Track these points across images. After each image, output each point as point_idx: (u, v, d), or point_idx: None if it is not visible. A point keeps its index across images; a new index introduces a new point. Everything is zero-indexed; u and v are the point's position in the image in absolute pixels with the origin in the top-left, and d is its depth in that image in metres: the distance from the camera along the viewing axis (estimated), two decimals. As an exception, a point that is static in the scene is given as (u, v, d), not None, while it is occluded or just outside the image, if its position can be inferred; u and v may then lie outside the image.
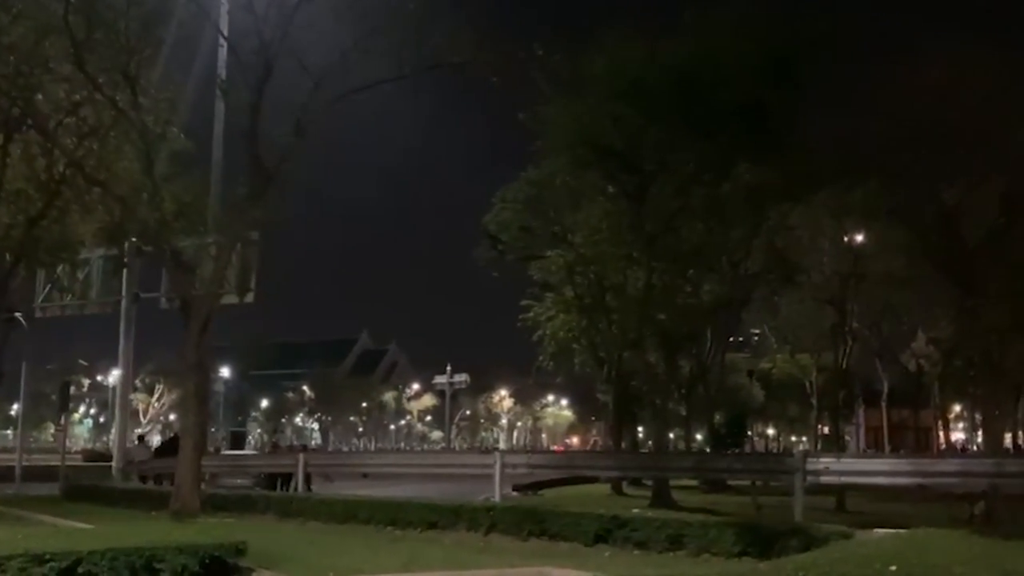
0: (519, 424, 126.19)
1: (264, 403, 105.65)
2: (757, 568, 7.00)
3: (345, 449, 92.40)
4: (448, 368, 58.15)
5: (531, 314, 35.70)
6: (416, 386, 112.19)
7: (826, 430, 47.88)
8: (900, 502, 21.46)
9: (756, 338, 55.84)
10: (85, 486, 24.90)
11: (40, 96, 24.13)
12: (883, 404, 55.44)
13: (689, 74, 22.67)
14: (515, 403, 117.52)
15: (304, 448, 41.22)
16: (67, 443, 34.80)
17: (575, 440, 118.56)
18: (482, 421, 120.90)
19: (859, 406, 59.61)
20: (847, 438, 54.02)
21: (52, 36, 21.59)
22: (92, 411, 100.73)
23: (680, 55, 23.27)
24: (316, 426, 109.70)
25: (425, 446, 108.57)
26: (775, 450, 73.28)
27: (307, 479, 23.43)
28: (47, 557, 8.36)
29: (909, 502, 21.06)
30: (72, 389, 42.03)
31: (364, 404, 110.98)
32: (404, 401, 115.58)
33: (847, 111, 25.71)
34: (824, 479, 16.87)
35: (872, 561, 6.45)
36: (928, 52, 24.17)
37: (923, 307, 37.02)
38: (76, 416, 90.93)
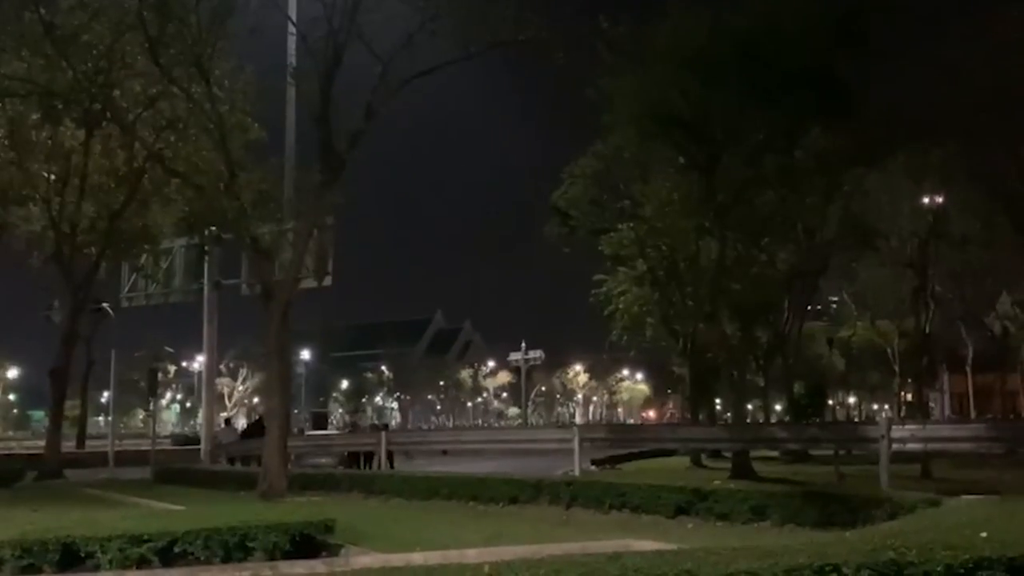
0: (594, 399, 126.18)
1: (344, 384, 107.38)
2: (844, 537, 6.96)
3: (424, 427, 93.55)
4: (523, 345, 58.42)
5: (603, 289, 35.63)
6: (491, 364, 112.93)
7: (909, 397, 47.04)
8: (987, 468, 20.98)
9: (835, 306, 54.90)
10: (175, 469, 25.66)
11: (118, 92, 24.82)
12: (968, 369, 54.26)
13: (755, 40, 22.29)
14: (590, 378, 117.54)
15: (384, 427, 41.85)
16: (156, 428, 35.82)
17: (652, 413, 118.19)
18: (558, 397, 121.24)
19: (943, 372, 58.38)
20: (931, 405, 52.87)
21: (128, 32, 22.18)
22: (179, 396, 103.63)
23: (745, 21, 22.90)
24: (395, 405, 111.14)
25: (502, 423, 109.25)
26: (857, 419, 72.16)
27: (389, 457, 23.83)
28: (145, 538, 8.67)
29: (996, 468, 20.59)
30: (159, 376, 43.25)
31: (441, 383, 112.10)
32: (480, 379, 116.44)
33: (922, 72, 25.08)
34: (909, 446, 16.62)
35: (962, 528, 6.37)
36: (1006, 10, 23.40)
37: (1006, 269, 36.07)
38: (164, 402, 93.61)
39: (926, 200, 31.22)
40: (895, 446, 15.86)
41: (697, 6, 23.56)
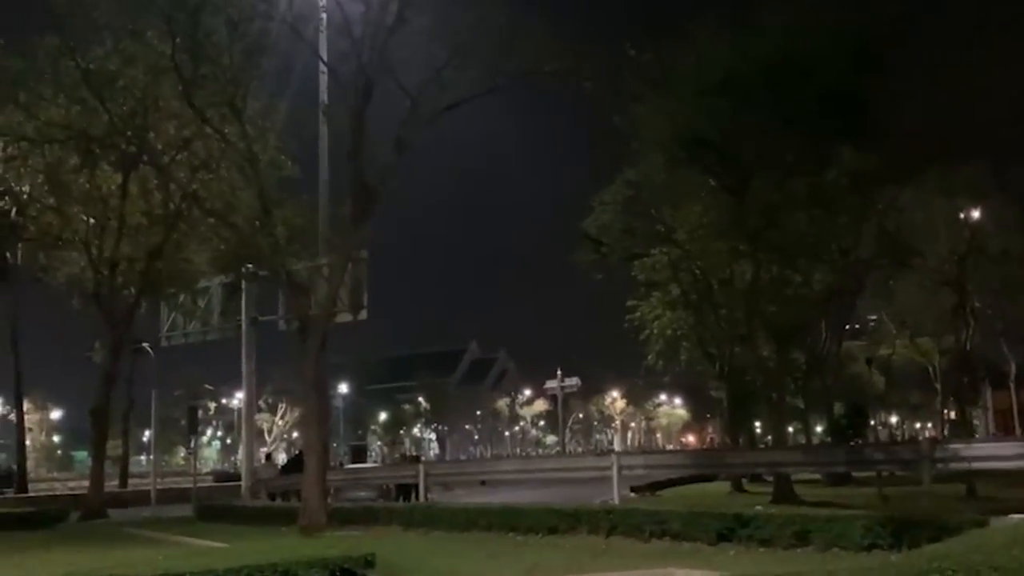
0: (632, 425, 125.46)
1: (382, 416, 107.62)
2: (889, 561, 6.88)
3: (463, 457, 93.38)
4: (559, 372, 58.16)
5: (637, 314, 35.55)
6: (527, 392, 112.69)
7: (952, 415, 46.36)
8: (1035, 487, 20.62)
9: (872, 325, 54.33)
10: (217, 506, 25.78)
11: (153, 134, 25.29)
12: (1011, 385, 53.31)
13: (780, 64, 22.32)
14: (627, 404, 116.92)
15: (416, 458, 41.85)
16: (197, 465, 36.08)
17: (691, 438, 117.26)
18: (595, 423, 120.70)
19: (986, 389, 57.44)
20: (975, 422, 52.04)
21: (162, 76, 22.61)
22: (219, 433, 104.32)
23: (769, 45, 22.94)
24: (433, 436, 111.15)
25: (540, 451, 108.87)
26: (899, 438, 71.17)
27: (417, 489, 23.86)
28: (186, 576, 8.72)
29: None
30: (199, 413, 43.55)
31: (478, 412, 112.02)
32: (517, 407, 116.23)
33: (949, 89, 25.01)
34: (953, 466, 16.40)
35: (1010, 547, 6.26)
36: None
37: (1046, 283, 35.56)
38: (204, 438, 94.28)
39: (961, 216, 30.92)
40: (939, 466, 15.66)
41: (722, 32, 23.64)
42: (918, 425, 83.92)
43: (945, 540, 9.12)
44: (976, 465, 17.73)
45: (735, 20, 23.83)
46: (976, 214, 30.93)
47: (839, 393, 37.99)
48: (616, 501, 18.33)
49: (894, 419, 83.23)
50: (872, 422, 60.56)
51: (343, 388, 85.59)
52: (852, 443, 31.54)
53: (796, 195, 25.45)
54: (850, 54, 22.44)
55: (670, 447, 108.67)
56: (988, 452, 17.85)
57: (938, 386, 42.80)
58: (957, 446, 17.13)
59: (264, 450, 58.88)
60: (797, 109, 22.20)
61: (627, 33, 23.37)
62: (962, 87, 24.18)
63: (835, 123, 22.91)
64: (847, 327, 38.33)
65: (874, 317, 51.44)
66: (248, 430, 31.19)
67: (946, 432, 44.71)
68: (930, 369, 44.04)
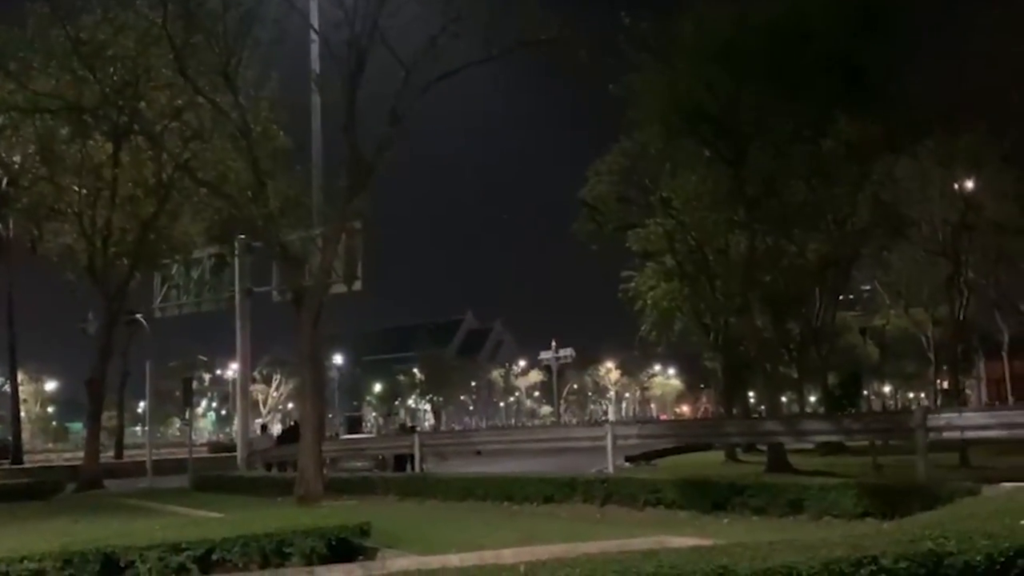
0: (627, 395, 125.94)
1: (377, 387, 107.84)
2: (882, 529, 6.90)
3: (457, 428, 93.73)
4: (553, 344, 58.33)
5: (632, 285, 35.52)
6: (522, 363, 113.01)
7: (945, 385, 46.50)
8: (1027, 455, 20.73)
9: (867, 295, 54.41)
10: (212, 476, 25.86)
11: (145, 104, 25.10)
12: (1004, 356, 53.54)
13: (780, 30, 22.17)
14: (622, 375, 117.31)
15: (412, 429, 42.01)
16: (192, 436, 36.15)
17: (685, 408, 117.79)
18: (590, 394, 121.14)
19: (979, 359, 57.67)
20: (968, 392, 52.27)
21: (153, 45, 22.42)
22: (214, 404, 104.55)
23: (769, 11, 22.77)
24: (428, 407, 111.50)
25: (535, 421, 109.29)
26: (893, 408, 71.47)
27: (413, 459, 23.96)
28: (183, 546, 8.73)
29: (1037, 455, 20.33)
30: (194, 384, 43.59)
31: (473, 383, 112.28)
32: (512, 378, 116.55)
33: (947, 58, 24.89)
34: (946, 435, 16.47)
35: (1002, 516, 6.28)
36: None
37: (1041, 253, 35.59)
38: (199, 410, 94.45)
39: (957, 186, 30.87)
40: (932, 435, 15.71)
41: (721, -1, 23.46)
42: (911, 395, 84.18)
43: (938, 508, 9.17)
44: (968, 434, 17.80)
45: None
46: (971, 184, 30.86)
47: (833, 363, 38.08)
48: (611, 471, 18.40)
49: (887, 389, 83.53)
50: (866, 392, 60.86)
51: (339, 359, 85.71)
52: (846, 412, 31.72)
53: (793, 164, 25.36)
54: (849, 18, 22.28)
55: (664, 417, 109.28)
56: (980, 422, 17.86)
57: (932, 356, 42.89)
58: (950, 415, 17.16)
59: (260, 421, 59.09)
60: (796, 75, 22.08)
61: (624, 2, 23.12)
62: (963, 52, 24.06)
63: (833, 89, 22.79)
64: (842, 297, 38.38)
65: (868, 288, 51.55)
66: (243, 401, 31.30)
67: (939, 402, 44.85)
68: (924, 339, 44.13)
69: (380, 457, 27.61)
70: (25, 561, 8.28)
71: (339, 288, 23.49)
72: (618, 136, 30.43)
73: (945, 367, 41.34)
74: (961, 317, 34.45)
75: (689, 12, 23.48)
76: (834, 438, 25.22)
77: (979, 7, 26.79)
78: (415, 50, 17.97)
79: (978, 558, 5.19)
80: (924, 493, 10.95)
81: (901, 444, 18.84)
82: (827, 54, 22.13)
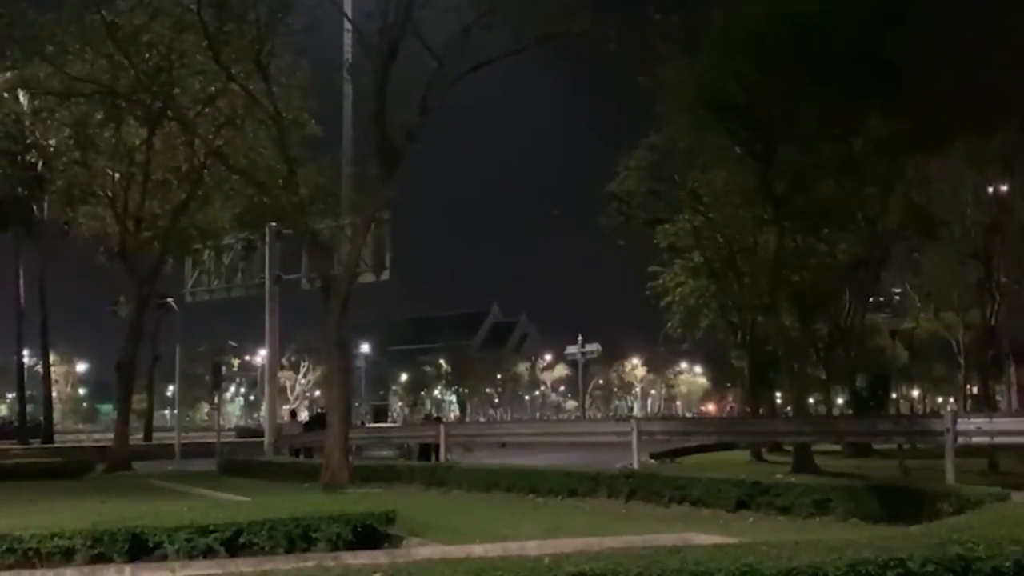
0: (652, 392, 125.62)
1: (403, 377, 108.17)
2: (909, 532, 6.84)
3: (482, 420, 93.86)
4: (579, 338, 58.17)
5: (659, 281, 35.39)
6: (548, 357, 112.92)
7: (975, 390, 46.05)
8: (1057, 463, 20.52)
9: (897, 297, 53.88)
10: (240, 461, 26.06)
11: (178, 90, 25.27)
12: (1035, 362, 52.87)
13: (810, 22, 21.95)
14: (647, 371, 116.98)
15: (437, 419, 42.13)
16: (220, 421, 36.45)
17: (711, 407, 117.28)
18: (615, 390, 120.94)
19: (1009, 364, 57.00)
20: (998, 398, 51.71)
21: (187, 32, 22.57)
22: (242, 390, 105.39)
23: (800, 3, 22.56)
24: (453, 398, 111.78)
25: (560, 416, 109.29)
26: (921, 412, 70.83)
27: (437, 449, 24.04)
28: (211, 528, 8.81)
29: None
30: (223, 369, 43.99)
31: (499, 376, 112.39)
32: (537, 372, 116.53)
33: (982, 56, 24.55)
34: (975, 440, 16.29)
35: (1031, 522, 6.23)
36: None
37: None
38: (227, 395, 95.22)
39: (991, 189, 30.49)
40: (961, 439, 15.56)
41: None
42: (940, 399, 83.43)
43: (966, 513, 9.09)
44: (998, 440, 17.61)
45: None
46: (1005, 187, 30.48)
47: (861, 365, 37.76)
48: (636, 466, 18.37)
49: (916, 392, 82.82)
50: (894, 395, 60.39)
51: (365, 348, 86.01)
52: (873, 414, 31.49)
53: (823, 161, 25.14)
54: (880, 11, 22.04)
55: (689, 415, 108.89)
56: (1011, 427, 17.68)
57: (961, 360, 42.40)
58: (979, 420, 16.98)
59: (287, 407, 59.47)
60: (827, 71, 21.87)
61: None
62: (997, 52, 23.70)
63: (865, 86, 22.56)
64: (871, 299, 38.02)
65: (899, 290, 51.04)
66: (271, 387, 31.49)
67: (968, 407, 44.36)
68: (953, 343, 43.65)
69: (405, 446, 27.71)
70: (56, 538, 8.41)
71: (367, 277, 23.57)
72: (647, 131, 30.32)
73: (975, 372, 40.89)
74: (992, 322, 34.04)
75: (717, 4, 23.30)
76: (861, 440, 25.09)
77: (1014, 5, 26.38)
78: (447, 41, 17.98)
79: (1007, 564, 5.15)
80: (952, 498, 10.84)
81: (929, 448, 18.69)
82: (857, 48, 21.88)
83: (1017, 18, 24.45)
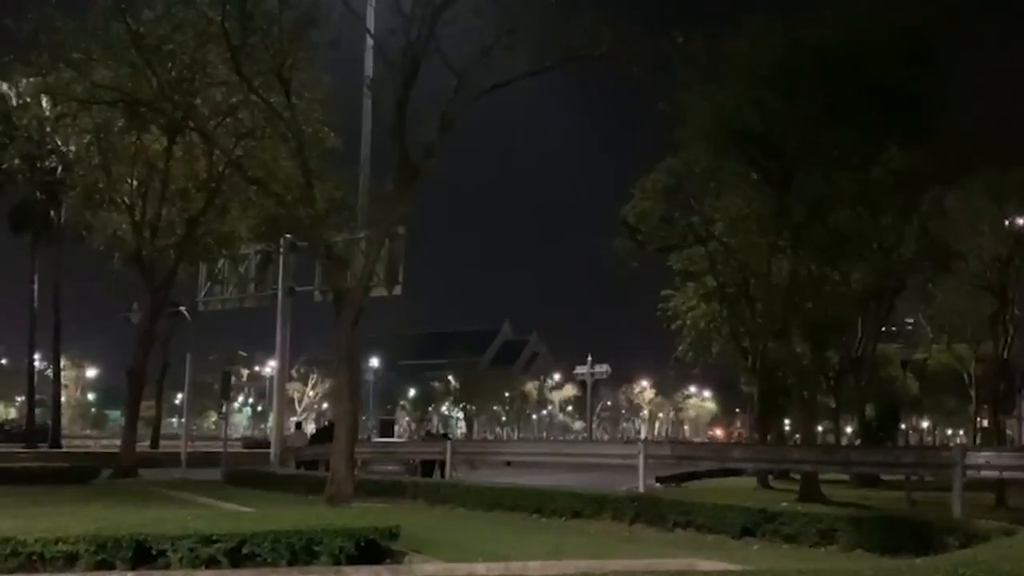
0: (660, 415, 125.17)
1: (411, 392, 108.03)
2: (914, 565, 6.82)
3: (489, 438, 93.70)
4: (589, 358, 58.04)
5: (671, 304, 35.38)
6: (557, 376, 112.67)
7: (985, 423, 45.80)
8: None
9: (910, 327, 53.72)
10: (245, 471, 26.06)
11: (200, 100, 25.46)
12: (1048, 396, 52.53)
13: (832, 55, 22.05)
14: (656, 394, 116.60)
15: (444, 436, 42.12)
16: (228, 430, 36.50)
17: (719, 432, 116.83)
18: (623, 412, 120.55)
19: (1021, 398, 56.70)
20: (1008, 431, 51.42)
21: (211, 43, 22.75)
22: (250, 400, 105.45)
23: (822, 36, 22.66)
24: (461, 415, 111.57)
25: (567, 436, 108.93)
26: (930, 444, 70.39)
27: (442, 466, 24.02)
28: (214, 538, 8.82)
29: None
30: (232, 379, 44.03)
31: (507, 394, 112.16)
32: (546, 391, 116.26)
33: (1001, 92, 24.60)
34: (984, 474, 16.21)
35: (1038, 559, 6.20)
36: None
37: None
38: (236, 405, 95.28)
39: (1007, 222, 30.44)
40: (969, 473, 15.48)
41: (775, 20, 23.37)
42: (950, 431, 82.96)
43: (973, 547, 9.04)
44: (1007, 474, 17.53)
45: (788, 9, 23.56)
46: (1022, 221, 30.43)
47: (872, 395, 37.63)
48: (642, 490, 18.32)
49: (926, 424, 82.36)
50: (903, 426, 60.09)
51: (374, 362, 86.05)
52: (882, 445, 31.31)
53: (840, 190, 25.16)
54: (903, 49, 22.13)
55: (697, 439, 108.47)
56: (1020, 462, 17.61)
57: (973, 393, 42.21)
58: (989, 454, 16.92)
59: (294, 419, 59.47)
60: (847, 103, 21.94)
61: (678, 19, 23.04)
62: (1016, 87, 23.77)
63: (884, 119, 22.61)
64: (884, 329, 37.90)
65: (911, 320, 50.88)
66: (279, 398, 31.50)
67: (978, 440, 44.12)
68: (965, 375, 43.46)
69: (412, 462, 27.69)
70: (60, 543, 8.43)
71: (379, 291, 23.61)
72: (664, 154, 30.40)
73: (986, 405, 40.67)
74: (1005, 355, 33.90)
75: (741, 31, 23.41)
76: (869, 470, 24.97)
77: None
78: (468, 59, 18.07)
79: (1012, 600, 5.13)
80: (959, 531, 10.79)
81: (937, 480, 18.59)
82: (878, 83, 21.97)
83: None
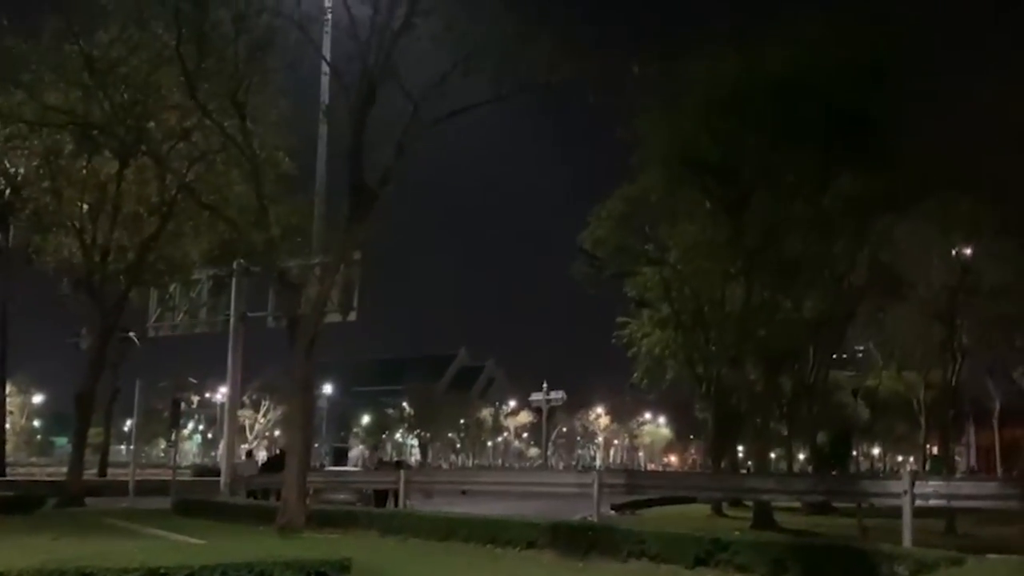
0: (616, 442, 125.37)
1: (365, 419, 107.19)
2: (865, 594, 6.86)
3: (444, 465, 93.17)
4: (544, 385, 58.18)
5: (627, 331, 35.56)
6: (513, 403, 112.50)
7: (935, 450, 46.41)
8: (1014, 526, 20.62)
9: (861, 355, 54.44)
10: (195, 500, 25.59)
11: (153, 124, 25.21)
12: (995, 423, 53.49)
13: (786, 82, 22.41)
14: (611, 420, 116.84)
15: (400, 464, 41.75)
16: (177, 458, 35.90)
17: (673, 459, 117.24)
18: (578, 439, 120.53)
19: (969, 425, 57.65)
20: (957, 458, 52.21)
21: (165, 66, 22.56)
22: (200, 427, 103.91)
23: (777, 63, 23.02)
24: (415, 442, 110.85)
25: (522, 463, 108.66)
26: (881, 470, 71.20)
27: (396, 495, 23.81)
28: (162, 571, 8.62)
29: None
30: (182, 406, 43.36)
31: (462, 420, 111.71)
32: (501, 418, 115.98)
33: (951, 120, 25.07)
34: (933, 502, 16.36)
35: (987, 589, 6.26)
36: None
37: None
38: (185, 432, 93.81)
39: (954, 252, 31.00)
40: (918, 502, 15.63)
41: (730, 48, 23.70)
42: (900, 457, 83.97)
43: (923, 576, 9.12)
44: (955, 503, 17.70)
45: (744, 35, 23.89)
46: (968, 250, 30.98)
47: (824, 421, 38.04)
48: (596, 518, 18.27)
49: (876, 450, 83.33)
50: (855, 452, 60.72)
51: (328, 388, 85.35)
52: (833, 472, 31.58)
53: (794, 218, 25.51)
54: (855, 73, 22.55)
55: (652, 466, 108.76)
56: (968, 491, 17.81)
57: (922, 420, 42.78)
58: (937, 483, 17.08)
59: (245, 447, 58.70)
60: (801, 128, 22.29)
61: (635, 47, 23.22)
62: (972, 113, 24.25)
63: (839, 144, 23.01)
64: (835, 356, 38.36)
65: (862, 347, 51.55)
66: (230, 426, 31.08)
67: (928, 466, 44.66)
68: (915, 402, 44.05)
69: (365, 491, 27.39)
70: (2, 577, 8.21)
71: (334, 317, 23.43)
72: (620, 181, 30.64)
73: (935, 431, 41.24)
74: (954, 382, 34.43)
75: (698, 58, 23.64)
76: (821, 498, 25.17)
77: (983, 71, 27.06)
78: (425, 86, 18.09)
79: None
80: (909, 560, 10.87)
81: (888, 507, 18.75)
82: (833, 108, 22.35)
83: (984, 87, 25.07)
